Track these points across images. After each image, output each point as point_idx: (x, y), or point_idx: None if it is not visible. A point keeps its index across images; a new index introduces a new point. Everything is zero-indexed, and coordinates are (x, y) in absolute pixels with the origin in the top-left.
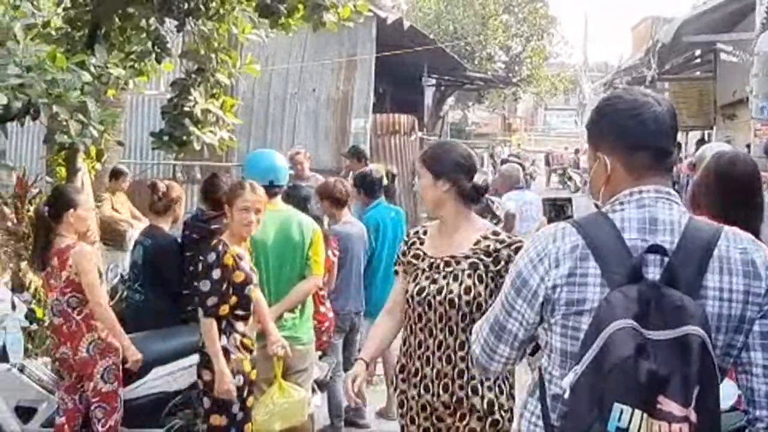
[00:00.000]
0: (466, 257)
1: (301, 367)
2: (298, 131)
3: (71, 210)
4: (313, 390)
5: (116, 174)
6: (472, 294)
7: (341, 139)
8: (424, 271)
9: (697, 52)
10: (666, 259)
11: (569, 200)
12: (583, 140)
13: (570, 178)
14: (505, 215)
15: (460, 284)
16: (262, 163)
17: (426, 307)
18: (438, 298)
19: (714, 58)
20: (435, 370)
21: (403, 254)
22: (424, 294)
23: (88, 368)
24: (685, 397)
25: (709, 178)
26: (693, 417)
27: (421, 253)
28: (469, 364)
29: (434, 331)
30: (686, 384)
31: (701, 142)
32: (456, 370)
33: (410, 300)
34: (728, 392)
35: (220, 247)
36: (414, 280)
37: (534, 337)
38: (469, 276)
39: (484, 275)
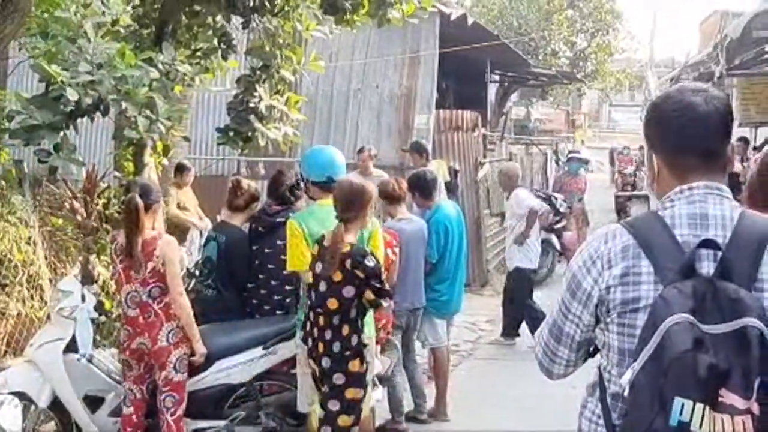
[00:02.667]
0: None
1: None
2: (361, 127)
3: (157, 204)
4: (375, 384)
5: (180, 169)
6: None
7: (404, 136)
8: None
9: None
10: (719, 254)
11: (646, 197)
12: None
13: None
14: (529, 211)
15: None
16: (320, 158)
17: None
18: None
19: None
20: None
21: None
22: None
23: (163, 357)
24: (746, 390)
25: (762, 173)
26: (755, 409)
27: None
28: None
29: None
30: (747, 376)
31: None
32: None
33: None
34: None
35: None
36: None
37: (592, 339)
38: None
39: None
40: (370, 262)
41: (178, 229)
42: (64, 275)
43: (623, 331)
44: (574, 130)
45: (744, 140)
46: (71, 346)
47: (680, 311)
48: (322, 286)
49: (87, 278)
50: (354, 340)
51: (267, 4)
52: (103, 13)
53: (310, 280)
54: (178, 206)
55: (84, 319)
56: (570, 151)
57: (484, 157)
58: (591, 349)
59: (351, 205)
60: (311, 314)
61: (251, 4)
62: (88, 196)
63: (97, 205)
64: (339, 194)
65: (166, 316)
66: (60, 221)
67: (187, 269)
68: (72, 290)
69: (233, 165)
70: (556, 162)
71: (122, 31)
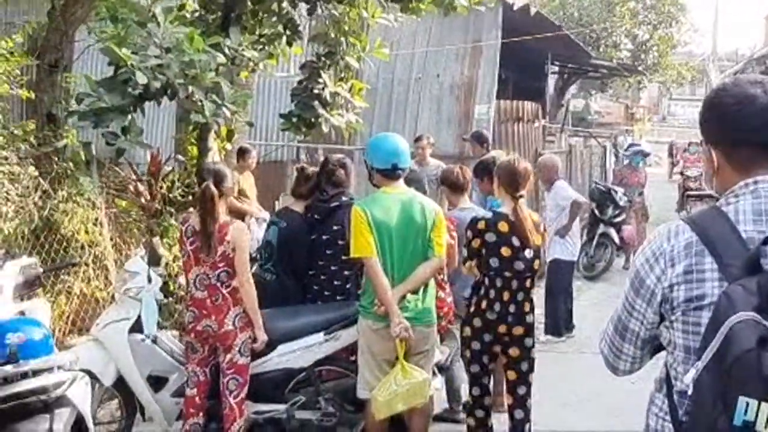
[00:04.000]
0: None
1: (422, 348)
2: (422, 116)
3: (230, 189)
4: (434, 373)
5: (243, 153)
6: None
7: (464, 125)
8: None
9: None
10: None
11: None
12: None
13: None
14: (572, 203)
15: None
16: (385, 146)
17: None
18: None
19: None
20: None
21: None
22: None
23: (229, 340)
24: None
25: None
26: None
27: None
28: None
29: None
30: None
31: None
32: None
33: None
34: None
35: None
36: None
37: (657, 336)
38: None
39: None
40: None
41: (236, 215)
42: (128, 257)
43: (688, 329)
44: (633, 123)
45: None
46: (136, 327)
47: (744, 309)
48: (529, 254)
49: (153, 260)
50: None
51: None
52: None
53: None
54: (239, 192)
55: (149, 300)
56: (630, 144)
57: (544, 148)
58: (657, 344)
59: (525, 184)
60: (514, 284)
61: None
62: (152, 179)
63: (161, 188)
64: (514, 175)
65: (233, 300)
66: (124, 203)
67: (249, 254)
68: (139, 271)
69: (292, 151)
70: (615, 155)
71: (188, 16)
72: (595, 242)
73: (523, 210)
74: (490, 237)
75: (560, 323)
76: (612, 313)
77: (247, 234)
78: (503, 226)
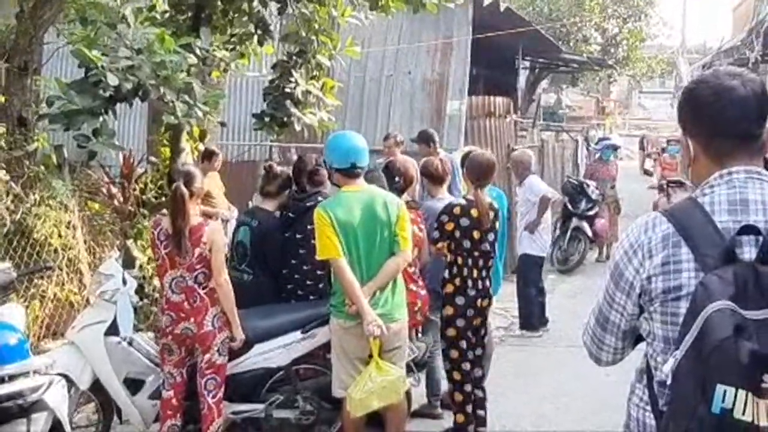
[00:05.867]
0: None
1: (395, 344)
2: (393, 113)
3: (201, 189)
4: (410, 369)
5: (209, 155)
6: None
7: (436, 121)
8: None
9: None
10: (760, 239)
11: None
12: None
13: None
14: (541, 199)
15: None
16: (343, 145)
17: None
18: None
19: None
20: None
21: None
22: None
23: (208, 341)
24: None
25: None
26: None
27: None
28: None
29: None
30: None
31: None
32: None
33: None
34: None
35: None
36: None
37: (638, 327)
38: None
39: None
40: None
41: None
42: (102, 259)
43: (666, 319)
44: (605, 117)
45: None
46: (112, 329)
47: (721, 298)
48: (491, 237)
49: (127, 262)
50: None
51: None
52: None
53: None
54: (205, 194)
55: (125, 303)
56: (601, 138)
57: (516, 143)
58: (639, 335)
59: (487, 175)
60: (481, 262)
61: None
62: (125, 181)
63: (134, 190)
64: (477, 167)
65: (211, 301)
66: (97, 206)
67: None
68: (113, 274)
69: (265, 151)
70: (587, 149)
71: (158, 17)
72: (568, 236)
73: (480, 197)
74: (464, 221)
75: (534, 318)
76: (593, 305)
77: (223, 234)
78: (475, 212)
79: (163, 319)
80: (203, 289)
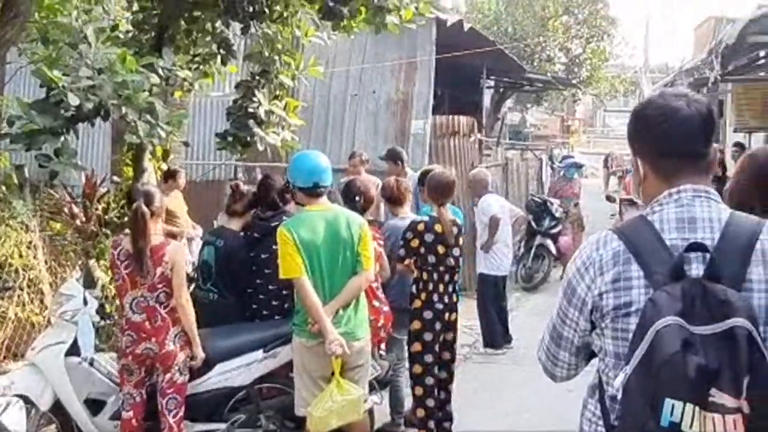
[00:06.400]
0: None
1: (358, 363)
2: (358, 133)
3: (161, 209)
4: (372, 387)
5: (172, 174)
6: None
7: (401, 140)
8: None
9: (762, 53)
10: (708, 256)
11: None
12: None
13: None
14: (491, 219)
15: None
16: (306, 164)
17: None
18: None
19: None
20: None
21: None
22: None
23: (170, 360)
24: (736, 389)
25: (741, 174)
26: (745, 408)
27: None
28: None
29: None
30: (736, 376)
31: None
32: None
33: None
34: None
35: None
36: None
37: (590, 343)
38: None
39: None
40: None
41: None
42: (64, 280)
43: (617, 335)
44: (569, 136)
45: (740, 145)
46: (73, 350)
47: (669, 314)
48: (456, 252)
49: (89, 282)
50: None
51: (266, 10)
52: (104, 18)
53: (441, 251)
54: (167, 214)
55: (86, 323)
56: (564, 156)
57: (480, 162)
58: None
59: (448, 193)
60: (446, 277)
61: (250, 10)
62: (87, 200)
63: (96, 209)
64: (439, 186)
65: (172, 320)
66: (59, 226)
67: (187, 274)
68: (74, 294)
69: (230, 170)
70: (551, 167)
71: (121, 36)
72: (532, 253)
73: (443, 214)
74: (429, 237)
75: (497, 336)
76: (548, 321)
77: (184, 253)
78: (438, 228)
79: (123, 340)
80: (165, 308)
